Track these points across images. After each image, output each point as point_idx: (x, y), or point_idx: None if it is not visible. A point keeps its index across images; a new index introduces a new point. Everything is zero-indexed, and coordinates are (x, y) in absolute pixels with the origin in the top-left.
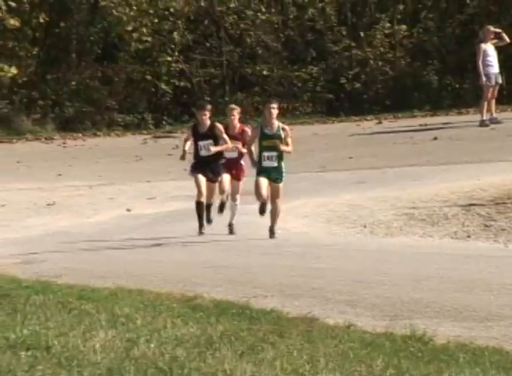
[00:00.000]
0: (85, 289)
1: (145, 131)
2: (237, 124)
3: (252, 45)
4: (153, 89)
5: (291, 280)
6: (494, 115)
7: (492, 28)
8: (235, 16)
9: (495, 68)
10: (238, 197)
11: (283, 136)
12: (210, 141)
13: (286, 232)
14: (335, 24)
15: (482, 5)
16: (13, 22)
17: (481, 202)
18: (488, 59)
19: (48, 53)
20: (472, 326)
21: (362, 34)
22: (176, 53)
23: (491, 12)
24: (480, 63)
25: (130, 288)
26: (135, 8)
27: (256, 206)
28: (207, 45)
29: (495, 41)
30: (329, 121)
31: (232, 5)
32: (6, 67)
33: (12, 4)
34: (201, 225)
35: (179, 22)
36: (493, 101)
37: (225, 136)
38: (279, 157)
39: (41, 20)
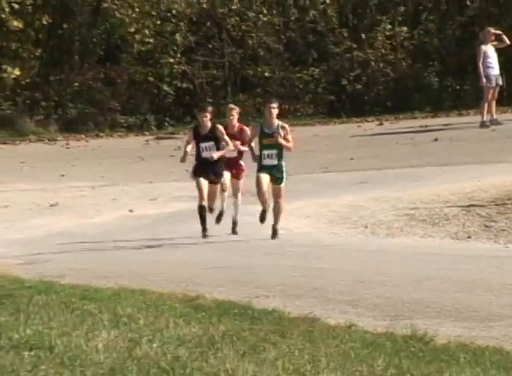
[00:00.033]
0: (88, 289)
1: (147, 133)
2: (236, 124)
3: (254, 47)
4: (155, 91)
5: (293, 280)
6: (494, 116)
7: (492, 30)
8: (237, 18)
9: (495, 70)
10: (239, 194)
11: (282, 134)
12: (212, 143)
13: (289, 232)
14: (336, 26)
15: (482, 7)
16: (16, 23)
17: (482, 203)
18: (489, 60)
19: (51, 55)
20: (473, 326)
21: (363, 35)
22: (178, 55)
23: (491, 14)
24: (480, 64)
25: (132, 288)
26: (137, 10)
27: (258, 207)
28: (209, 46)
29: (495, 42)
30: (331, 123)
31: (233, 7)
32: (9, 69)
33: (16, 6)
34: (204, 229)
35: (181, 24)
36: (493, 102)
37: (226, 138)
38: (279, 156)
39: (44, 22)
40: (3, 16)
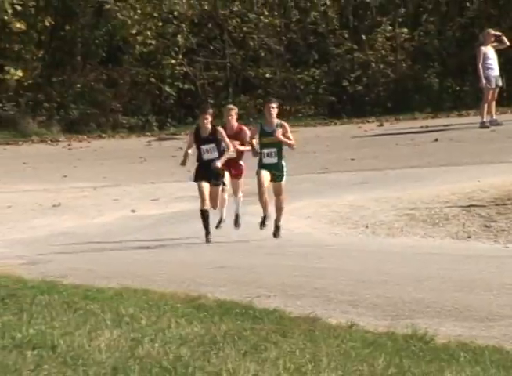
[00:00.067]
0: (90, 289)
1: (149, 133)
2: (235, 124)
3: (255, 48)
4: (157, 92)
5: (294, 280)
6: (494, 117)
7: (492, 31)
8: (238, 20)
9: (495, 71)
10: (240, 192)
11: (281, 132)
12: (213, 145)
13: (290, 232)
14: (337, 27)
15: (482, 8)
16: (19, 25)
17: (482, 203)
18: (489, 61)
19: (53, 56)
20: (473, 325)
21: (363, 37)
22: (180, 56)
23: (491, 15)
24: (480, 65)
25: (135, 288)
26: (139, 11)
27: (258, 207)
28: (211, 47)
29: (495, 44)
30: (332, 123)
31: (235, 9)
32: (12, 70)
33: (18, 7)
34: (208, 233)
35: (183, 25)
36: (493, 103)
37: (227, 140)
38: (279, 155)
39: (47, 24)
40: (6, 17)
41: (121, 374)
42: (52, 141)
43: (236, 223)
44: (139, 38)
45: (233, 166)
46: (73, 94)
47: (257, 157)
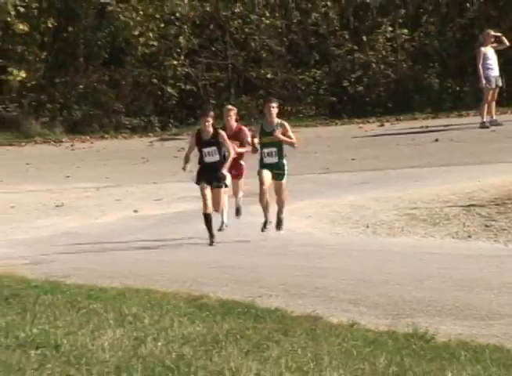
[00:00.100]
0: (93, 289)
1: (151, 134)
2: (234, 124)
3: (256, 49)
4: (159, 93)
5: (295, 280)
6: (494, 117)
7: (492, 32)
8: (239, 21)
9: (495, 71)
10: (240, 192)
11: (281, 131)
12: (214, 148)
13: (291, 232)
14: (338, 28)
15: (482, 9)
16: (22, 27)
17: (482, 203)
18: (488, 62)
19: (56, 57)
20: (473, 324)
21: (364, 37)
22: (182, 57)
23: (491, 16)
24: (480, 66)
25: (137, 288)
26: (141, 13)
27: (258, 207)
28: (213, 49)
29: (495, 44)
30: (332, 124)
31: (236, 10)
32: (15, 71)
33: (21, 9)
34: (212, 236)
35: (185, 26)
36: (493, 103)
37: (228, 143)
38: (280, 154)
39: (50, 25)
40: (9, 19)
41: (124, 372)
42: (55, 142)
43: (238, 213)
44: (141, 40)
45: (234, 166)
46: (76, 95)
47: (258, 157)
